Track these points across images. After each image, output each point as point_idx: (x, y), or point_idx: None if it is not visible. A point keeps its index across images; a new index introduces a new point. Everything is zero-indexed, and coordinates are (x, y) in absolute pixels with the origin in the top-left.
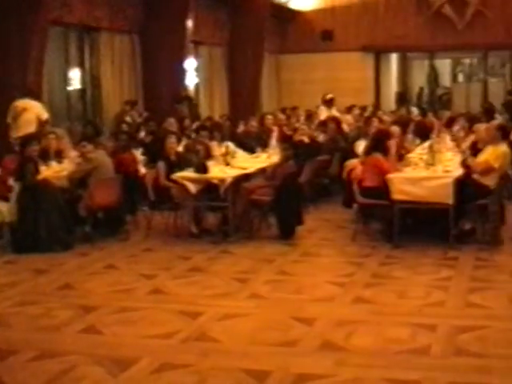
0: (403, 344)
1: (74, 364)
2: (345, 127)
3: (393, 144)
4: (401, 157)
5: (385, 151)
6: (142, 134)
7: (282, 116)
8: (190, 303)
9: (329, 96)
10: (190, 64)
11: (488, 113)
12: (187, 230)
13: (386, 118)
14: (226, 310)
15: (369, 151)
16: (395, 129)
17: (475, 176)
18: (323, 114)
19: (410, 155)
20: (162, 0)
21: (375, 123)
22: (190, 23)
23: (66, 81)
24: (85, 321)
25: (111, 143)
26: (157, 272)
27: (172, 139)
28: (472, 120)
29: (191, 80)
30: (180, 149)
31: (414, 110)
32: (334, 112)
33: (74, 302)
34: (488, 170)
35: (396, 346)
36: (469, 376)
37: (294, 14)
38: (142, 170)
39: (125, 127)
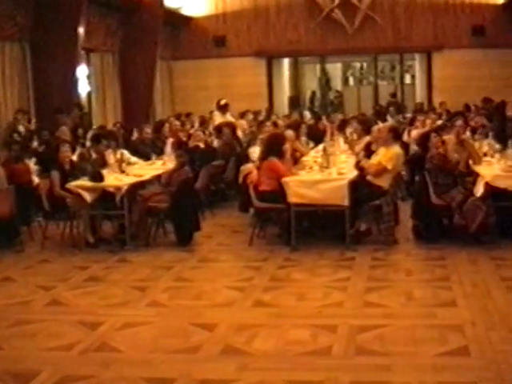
0: (305, 346)
1: None
2: (239, 132)
3: (288, 148)
4: (295, 160)
5: (280, 155)
6: (35, 143)
7: (177, 122)
8: (89, 313)
9: (223, 101)
10: (82, 72)
11: (379, 115)
12: (84, 240)
13: (280, 122)
14: (125, 318)
15: (264, 155)
16: (289, 133)
17: (369, 177)
18: (217, 119)
19: (304, 158)
20: (53, 7)
21: (269, 128)
22: (81, 30)
23: None
24: None
25: (3, 153)
26: (54, 283)
27: (65, 148)
28: (364, 122)
29: (83, 88)
30: (74, 158)
31: (307, 114)
32: (229, 117)
33: None
34: (381, 172)
35: (298, 348)
36: (370, 374)
37: (186, 20)
38: (36, 180)
39: (16, 137)
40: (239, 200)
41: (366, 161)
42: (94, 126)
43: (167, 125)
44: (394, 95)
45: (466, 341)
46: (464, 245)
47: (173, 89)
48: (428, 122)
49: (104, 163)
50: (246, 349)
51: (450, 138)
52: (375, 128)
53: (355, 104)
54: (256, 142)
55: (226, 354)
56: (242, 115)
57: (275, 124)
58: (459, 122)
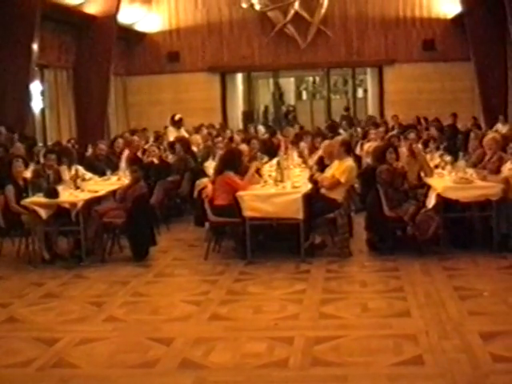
0: (261, 358)
1: None
2: (194, 147)
3: (250, 164)
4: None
5: (236, 169)
6: None
7: (136, 138)
8: (46, 330)
9: (177, 116)
10: (35, 88)
11: (332, 129)
12: (39, 256)
13: (236, 136)
14: (82, 334)
15: (220, 170)
16: (244, 147)
17: (323, 191)
18: (172, 134)
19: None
20: (6, 24)
21: (225, 142)
22: (35, 47)
23: None
24: None
25: None
26: (10, 300)
27: (19, 163)
28: (318, 136)
29: (37, 104)
30: (28, 174)
31: (261, 129)
32: (183, 132)
33: None
34: (335, 185)
35: (254, 361)
36: None
37: (140, 36)
38: None
39: None
40: (194, 214)
41: (320, 174)
42: (49, 143)
43: (120, 140)
44: (347, 109)
45: (420, 350)
46: (417, 256)
47: (127, 104)
48: (377, 135)
49: (59, 179)
50: (203, 362)
51: (402, 150)
52: (325, 143)
53: (308, 118)
54: (211, 156)
55: (183, 367)
56: (197, 130)
57: (231, 139)
58: (412, 135)
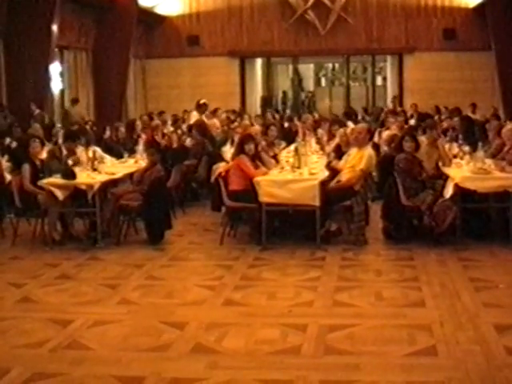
0: (274, 345)
1: None
2: (212, 131)
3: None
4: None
5: (249, 153)
6: (8, 140)
7: (157, 121)
8: (60, 311)
9: (202, 101)
10: (55, 69)
11: (349, 116)
12: (50, 237)
13: (254, 122)
14: (96, 316)
15: (237, 153)
16: (256, 128)
17: (340, 178)
18: (194, 118)
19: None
20: (27, 5)
21: (240, 127)
22: (55, 28)
23: None
24: None
25: None
26: (25, 280)
27: (36, 143)
28: (336, 123)
29: (56, 85)
30: (44, 154)
31: (277, 117)
32: (204, 117)
33: None
34: (360, 177)
35: (267, 347)
36: (339, 374)
37: (160, 19)
38: (8, 177)
39: None
40: (211, 199)
41: (337, 162)
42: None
43: (138, 122)
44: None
45: (434, 341)
46: (433, 246)
47: (146, 87)
48: (396, 124)
49: (76, 161)
50: (216, 347)
51: (422, 139)
52: (340, 131)
53: (327, 105)
54: (229, 141)
55: (196, 352)
56: (213, 114)
57: (252, 124)
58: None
